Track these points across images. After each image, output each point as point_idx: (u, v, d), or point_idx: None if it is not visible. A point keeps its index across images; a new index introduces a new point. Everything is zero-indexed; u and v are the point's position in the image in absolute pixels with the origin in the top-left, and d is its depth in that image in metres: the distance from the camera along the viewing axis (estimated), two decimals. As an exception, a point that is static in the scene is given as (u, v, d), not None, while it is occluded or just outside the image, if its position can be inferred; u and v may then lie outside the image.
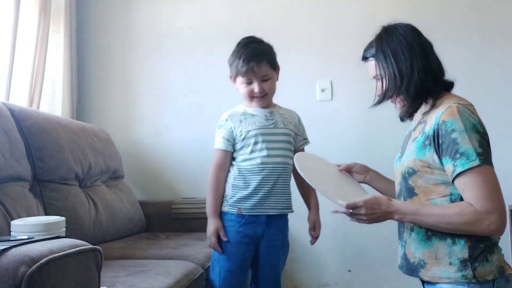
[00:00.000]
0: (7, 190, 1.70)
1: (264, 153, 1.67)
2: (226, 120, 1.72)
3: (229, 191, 1.71)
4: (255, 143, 1.68)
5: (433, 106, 1.32)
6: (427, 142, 1.26)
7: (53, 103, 2.62)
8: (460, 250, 1.22)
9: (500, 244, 1.27)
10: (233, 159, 1.72)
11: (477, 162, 1.18)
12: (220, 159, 1.71)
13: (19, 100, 2.30)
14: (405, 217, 1.27)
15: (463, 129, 1.20)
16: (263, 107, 1.73)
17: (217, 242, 1.68)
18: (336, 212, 1.31)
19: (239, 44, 1.71)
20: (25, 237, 1.15)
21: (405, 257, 1.34)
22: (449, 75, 1.38)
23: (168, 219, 2.58)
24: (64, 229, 1.35)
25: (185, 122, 2.79)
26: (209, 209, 1.70)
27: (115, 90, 2.89)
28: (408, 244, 1.33)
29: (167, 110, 2.83)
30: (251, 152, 1.68)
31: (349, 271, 2.56)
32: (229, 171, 1.72)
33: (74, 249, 1.07)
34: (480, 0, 2.51)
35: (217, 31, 2.76)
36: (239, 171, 1.69)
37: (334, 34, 2.64)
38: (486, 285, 1.20)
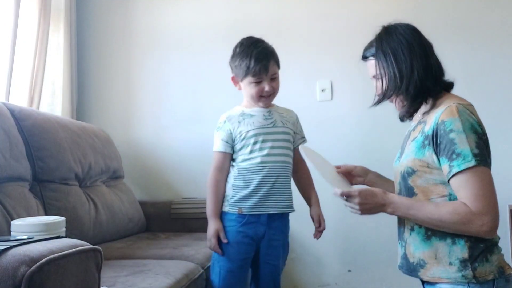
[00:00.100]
0: (7, 190, 1.70)
1: (264, 152, 1.67)
2: (225, 122, 1.72)
3: (229, 191, 1.70)
4: (255, 142, 1.68)
5: (433, 106, 1.32)
6: (426, 142, 1.27)
7: (53, 103, 2.62)
8: (460, 250, 1.22)
9: (500, 244, 1.27)
10: (233, 160, 1.72)
11: (473, 163, 1.18)
12: (219, 161, 1.71)
13: (19, 100, 2.30)
14: (397, 211, 1.27)
15: (461, 129, 1.20)
16: (262, 107, 1.73)
17: (217, 244, 1.68)
18: (336, 194, 1.31)
19: (242, 44, 1.70)
20: (25, 237, 1.15)
21: (405, 257, 1.34)
22: (449, 75, 1.38)
23: (168, 219, 2.58)
24: (64, 229, 1.35)
25: (185, 122, 2.79)
26: (209, 211, 1.70)
27: (115, 90, 2.89)
28: (408, 244, 1.33)
29: (167, 110, 2.83)
30: (251, 152, 1.68)
31: (349, 271, 2.56)
32: (229, 172, 1.72)
33: (74, 249, 1.07)
34: (480, 0, 2.51)
35: (217, 31, 2.76)
36: (239, 171, 1.69)
37: (334, 34, 2.64)
38: (486, 285, 1.20)
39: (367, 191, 1.29)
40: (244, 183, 1.68)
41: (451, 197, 1.24)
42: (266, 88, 1.67)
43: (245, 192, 1.67)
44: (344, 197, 1.29)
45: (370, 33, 1.42)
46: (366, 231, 2.51)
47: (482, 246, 1.22)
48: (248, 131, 1.69)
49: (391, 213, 1.29)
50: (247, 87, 1.69)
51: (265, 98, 1.70)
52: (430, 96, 1.33)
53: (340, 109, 2.61)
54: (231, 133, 1.70)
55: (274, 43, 1.74)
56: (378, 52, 1.36)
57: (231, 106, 1.79)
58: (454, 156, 1.19)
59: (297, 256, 2.58)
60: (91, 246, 1.13)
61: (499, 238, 1.27)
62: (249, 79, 1.66)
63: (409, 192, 1.31)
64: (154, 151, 2.83)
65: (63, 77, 2.64)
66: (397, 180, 1.39)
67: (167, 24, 2.85)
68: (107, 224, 2.20)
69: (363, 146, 2.56)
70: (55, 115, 2.32)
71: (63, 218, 1.36)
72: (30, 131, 1.94)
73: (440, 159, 1.23)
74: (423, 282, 1.32)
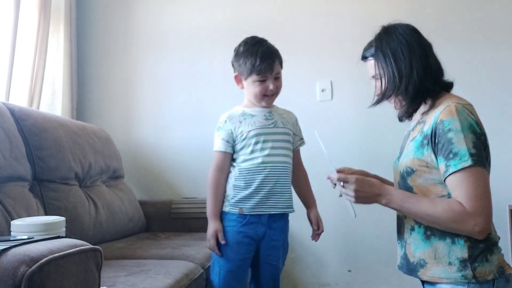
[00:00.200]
0: (7, 190, 1.70)
1: (265, 152, 1.67)
2: (225, 121, 1.72)
3: (230, 191, 1.70)
4: (256, 142, 1.68)
5: (432, 106, 1.32)
6: (425, 142, 1.27)
7: (53, 103, 2.62)
8: (460, 250, 1.22)
9: (500, 244, 1.27)
10: (233, 160, 1.72)
11: (469, 163, 1.18)
12: (219, 161, 1.71)
13: (19, 100, 2.30)
14: (392, 203, 1.27)
15: (459, 129, 1.20)
16: (263, 107, 1.73)
17: (216, 244, 1.68)
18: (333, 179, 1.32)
19: (246, 43, 1.70)
20: (25, 237, 1.15)
21: (405, 257, 1.34)
22: (449, 75, 1.38)
23: (168, 219, 2.58)
24: (64, 229, 1.35)
25: (185, 121, 2.79)
26: (209, 211, 1.70)
27: (115, 90, 2.90)
28: (408, 244, 1.33)
29: (167, 109, 2.83)
30: (252, 152, 1.68)
31: (349, 271, 2.57)
32: (229, 172, 1.72)
33: (74, 249, 1.07)
34: (480, 0, 2.51)
35: (217, 31, 2.76)
36: (239, 171, 1.69)
37: (334, 34, 2.64)
38: (486, 285, 1.20)
39: (365, 179, 1.30)
40: (245, 183, 1.67)
41: (450, 197, 1.24)
42: (271, 86, 1.67)
43: (246, 192, 1.67)
44: (341, 183, 1.29)
45: (370, 33, 1.42)
46: (366, 231, 2.51)
47: (482, 246, 1.22)
48: (249, 131, 1.68)
49: (385, 205, 1.29)
50: (250, 86, 1.69)
51: (268, 97, 1.70)
52: (429, 96, 1.33)
53: (340, 109, 2.61)
54: (232, 132, 1.70)
55: (274, 43, 1.74)
56: (378, 52, 1.36)
57: (231, 106, 1.79)
58: (451, 155, 1.20)
59: (297, 256, 2.58)
60: (91, 246, 1.13)
61: (499, 238, 1.28)
62: (254, 77, 1.66)
63: (408, 191, 1.31)
64: (154, 150, 2.83)
65: (63, 77, 2.65)
66: (396, 180, 1.39)
67: (167, 24, 2.85)
68: (107, 224, 2.20)
69: (363, 146, 2.56)
70: (55, 115, 2.32)
71: (63, 218, 1.36)
72: (30, 131, 1.94)
73: (438, 158, 1.23)
74: (423, 282, 1.32)
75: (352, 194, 1.28)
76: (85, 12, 2.91)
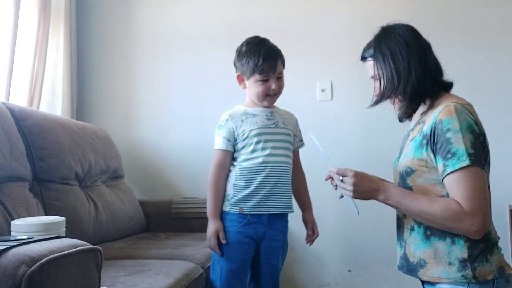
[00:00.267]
0: (7, 190, 1.70)
1: (266, 152, 1.67)
2: (227, 120, 1.72)
3: (230, 190, 1.70)
4: (257, 142, 1.68)
5: (431, 106, 1.32)
6: (424, 141, 1.27)
7: (53, 103, 2.62)
8: (460, 250, 1.22)
9: (500, 244, 1.27)
10: (234, 159, 1.72)
11: (467, 162, 1.18)
12: (220, 159, 1.71)
13: (19, 100, 2.30)
14: (389, 199, 1.27)
15: (458, 129, 1.20)
16: (264, 107, 1.73)
17: (216, 243, 1.68)
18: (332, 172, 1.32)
19: (249, 43, 1.70)
20: (25, 237, 1.15)
21: (405, 257, 1.33)
22: (448, 75, 1.38)
23: (168, 219, 2.58)
24: (64, 229, 1.35)
25: (185, 121, 2.79)
26: (209, 210, 1.70)
27: (115, 90, 2.90)
28: (408, 244, 1.33)
29: (167, 109, 2.83)
30: (253, 151, 1.68)
31: (349, 271, 2.57)
32: (229, 171, 1.72)
33: (74, 249, 1.07)
34: (480, 0, 2.51)
35: (217, 31, 2.76)
36: (240, 171, 1.69)
37: (334, 34, 2.64)
38: (486, 285, 1.20)
39: (364, 174, 1.30)
40: (245, 182, 1.68)
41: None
42: (273, 86, 1.67)
43: (246, 191, 1.67)
44: (340, 177, 1.29)
45: (370, 33, 1.42)
46: (366, 231, 2.51)
47: (482, 246, 1.22)
48: (251, 130, 1.69)
49: (383, 201, 1.28)
50: (253, 85, 1.69)
51: (270, 97, 1.70)
52: (428, 96, 1.33)
53: (340, 109, 2.61)
54: (233, 131, 1.70)
55: (274, 43, 1.74)
56: (376, 53, 1.36)
57: (231, 106, 1.79)
58: (449, 155, 1.20)
59: (297, 256, 2.58)
60: (91, 246, 1.13)
61: (499, 238, 1.28)
62: (256, 77, 1.67)
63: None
64: (154, 150, 2.83)
65: (63, 77, 2.65)
66: (396, 180, 1.39)
67: (167, 24, 2.85)
68: (107, 224, 2.20)
69: (362, 146, 2.56)
70: (55, 115, 2.33)
71: (63, 218, 1.36)
72: (30, 130, 1.94)
73: (436, 158, 1.23)
74: (423, 282, 1.32)
75: (351, 188, 1.28)
76: (85, 12, 2.91)
